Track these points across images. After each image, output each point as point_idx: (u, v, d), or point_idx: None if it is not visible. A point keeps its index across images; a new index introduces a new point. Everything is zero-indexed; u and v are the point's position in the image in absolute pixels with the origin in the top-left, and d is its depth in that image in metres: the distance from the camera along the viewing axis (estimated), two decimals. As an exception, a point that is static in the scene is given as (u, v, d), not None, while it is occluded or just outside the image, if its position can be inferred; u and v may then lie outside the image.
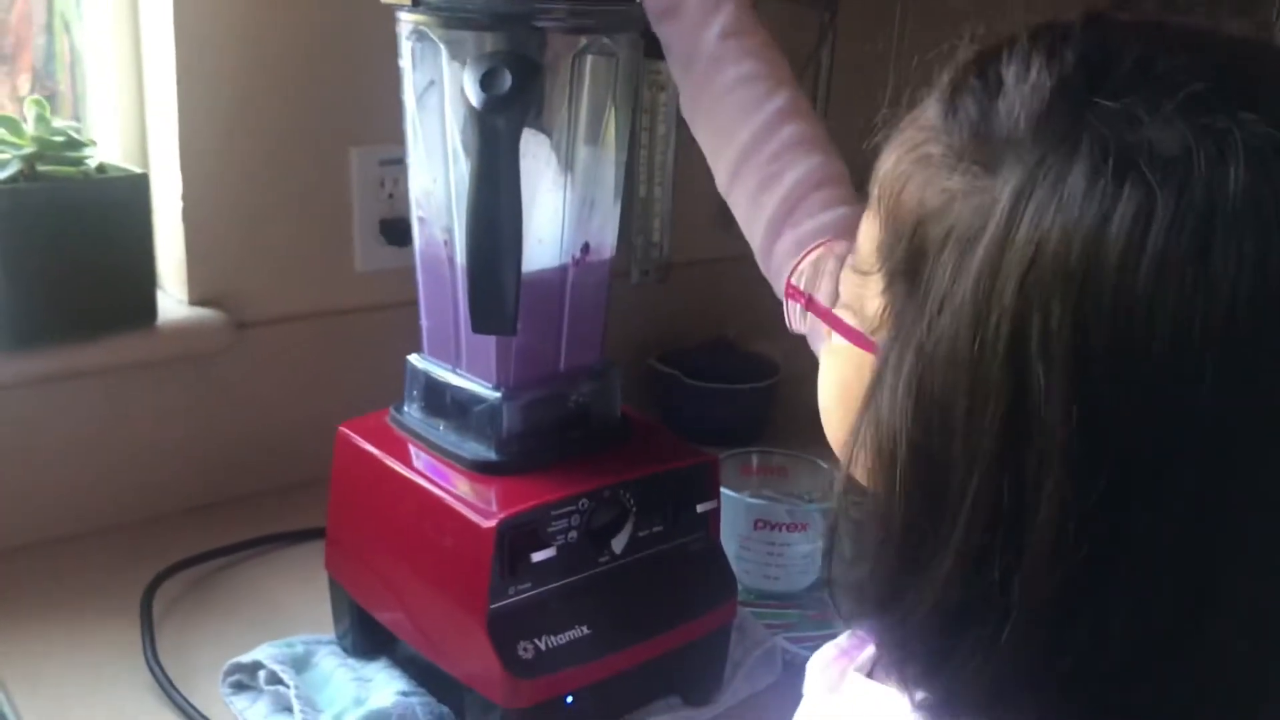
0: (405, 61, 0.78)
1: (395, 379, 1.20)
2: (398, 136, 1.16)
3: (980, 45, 0.46)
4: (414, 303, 1.21)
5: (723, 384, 1.35)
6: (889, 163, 0.48)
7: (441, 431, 0.84)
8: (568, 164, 0.78)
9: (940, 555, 0.43)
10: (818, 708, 0.59)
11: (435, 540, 0.79)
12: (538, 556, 0.76)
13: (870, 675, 0.56)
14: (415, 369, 0.87)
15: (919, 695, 0.47)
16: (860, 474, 0.48)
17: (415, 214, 0.83)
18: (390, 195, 1.19)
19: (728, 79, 0.75)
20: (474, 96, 0.69)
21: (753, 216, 0.76)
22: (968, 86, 0.45)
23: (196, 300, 1.11)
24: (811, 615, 1.03)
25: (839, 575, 0.52)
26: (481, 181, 0.70)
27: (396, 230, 1.20)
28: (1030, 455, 0.40)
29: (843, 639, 0.60)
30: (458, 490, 0.79)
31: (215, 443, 1.14)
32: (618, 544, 0.80)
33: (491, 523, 0.75)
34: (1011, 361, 0.40)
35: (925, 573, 0.43)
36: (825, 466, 1.09)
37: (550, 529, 0.78)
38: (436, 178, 0.80)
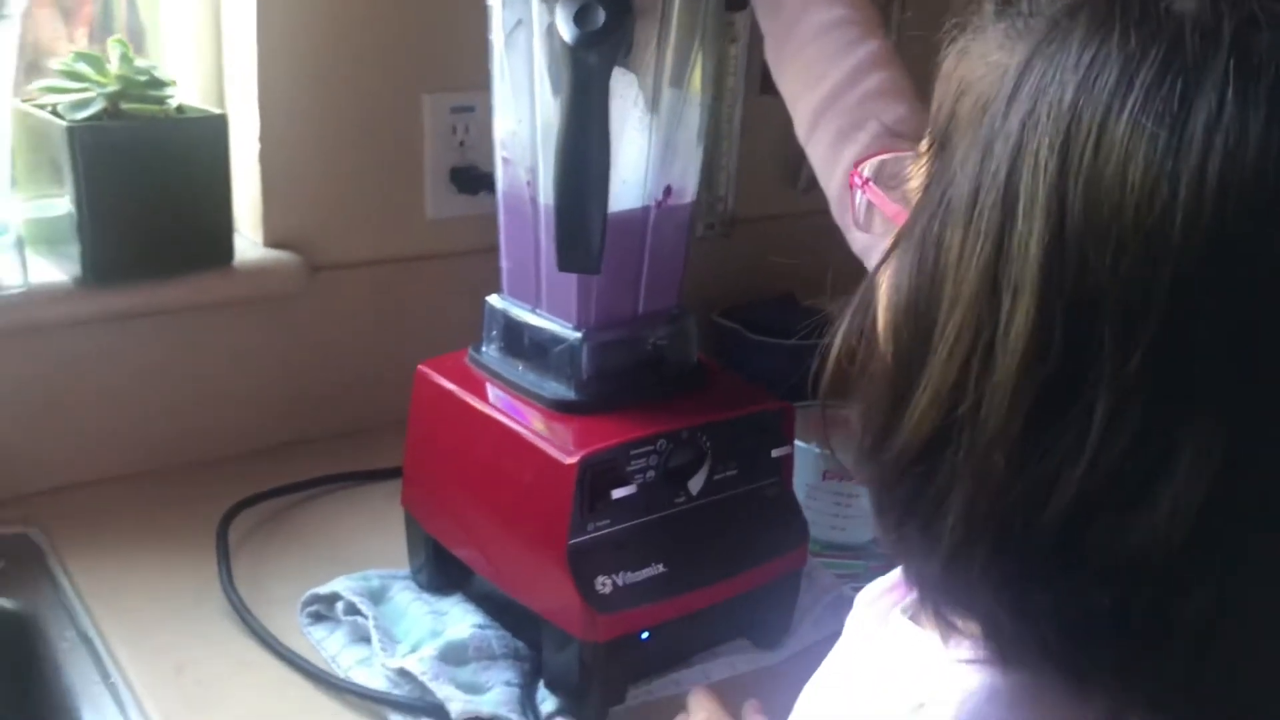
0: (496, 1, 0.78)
1: (464, 325, 1.21)
2: (469, 84, 1.18)
3: None
4: (484, 250, 1.22)
5: (786, 339, 1.35)
6: (950, 50, 0.49)
7: (520, 371, 0.85)
8: (653, 104, 0.78)
9: (921, 389, 0.44)
10: (857, 643, 0.60)
11: (515, 477, 0.80)
12: (618, 493, 0.77)
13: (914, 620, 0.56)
14: (494, 309, 0.88)
15: (950, 631, 0.47)
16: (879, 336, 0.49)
17: (499, 155, 0.84)
18: (461, 143, 1.20)
19: (817, 23, 0.75)
20: (567, 32, 0.70)
21: (831, 165, 0.76)
22: None
23: (271, 242, 1.12)
24: (874, 567, 1.03)
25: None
26: (571, 118, 0.71)
27: (467, 178, 1.20)
28: (1007, 292, 0.41)
29: (892, 575, 0.61)
30: (537, 428, 0.80)
31: (288, 384, 1.15)
32: (694, 485, 0.81)
33: (573, 459, 0.76)
34: (1002, 204, 0.41)
35: (908, 409, 0.44)
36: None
37: (629, 468, 0.79)
38: (522, 119, 0.80)
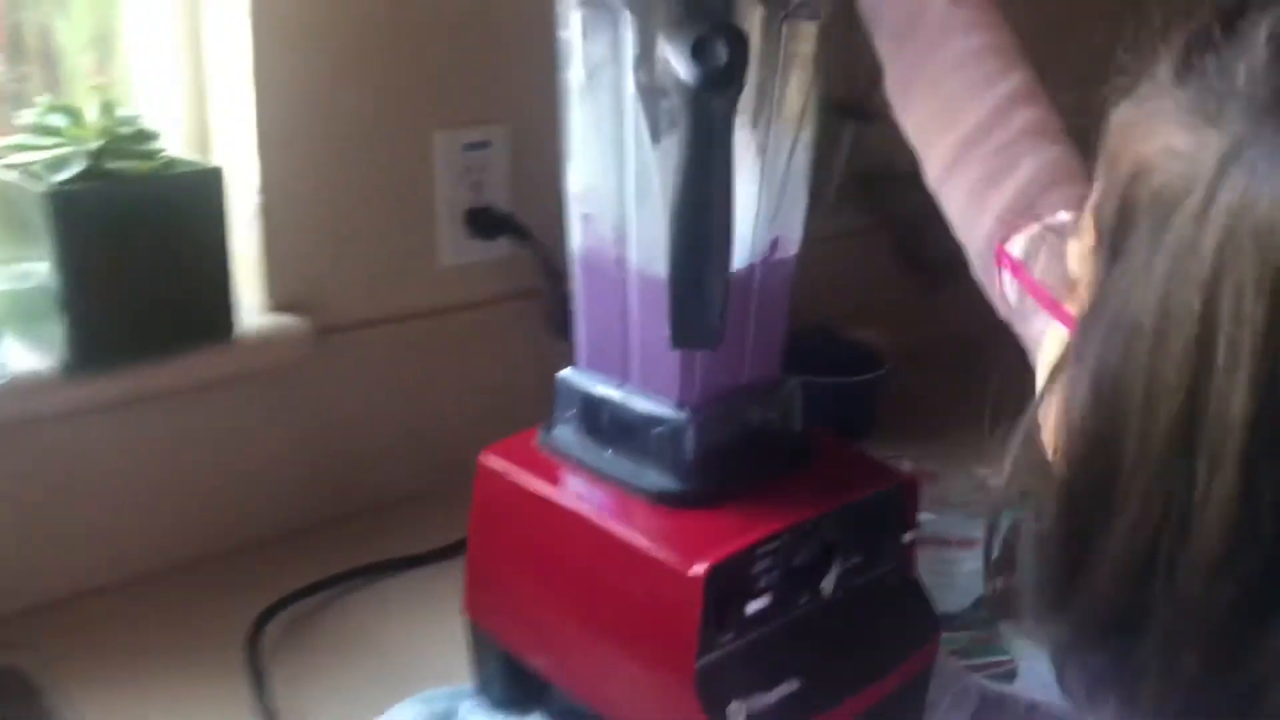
0: (573, 33, 0.67)
1: (489, 383, 1.10)
2: (483, 118, 1.07)
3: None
4: (505, 299, 1.12)
5: (824, 376, 1.25)
6: (1117, 117, 0.43)
7: (609, 458, 0.73)
8: (763, 146, 0.67)
9: (1103, 556, 0.39)
10: None
11: (620, 587, 0.69)
12: (753, 606, 0.66)
13: None
14: (570, 386, 0.76)
15: None
16: (1049, 441, 0.45)
17: (575, 210, 0.72)
18: (477, 183, 1.08)
19: (955, 52, 0.65)
20: (687, 71, 0.58)
21: (973, 213, 0.66)
22: (1208, 40, 0.40)
23: (275, 306, 0.99)
24: (980, 639, 0.93)
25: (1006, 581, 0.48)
26: (692, 172, 0.60)
27: (485, 221, 1.09)
28: (1202, 459, 0.36)
29: None
30: (644, 529, 0.69)
31: (301, 463, 1.02)
32: (827, 584, 0.70)
33: (699, 569, 0.64)
34: (1196, 346, 0.36)
35: (1090, 573, 0.40)
36: (982, 470, 1.00)
37: (755, 571, 0.68)
38: (608, 169, 0.69)
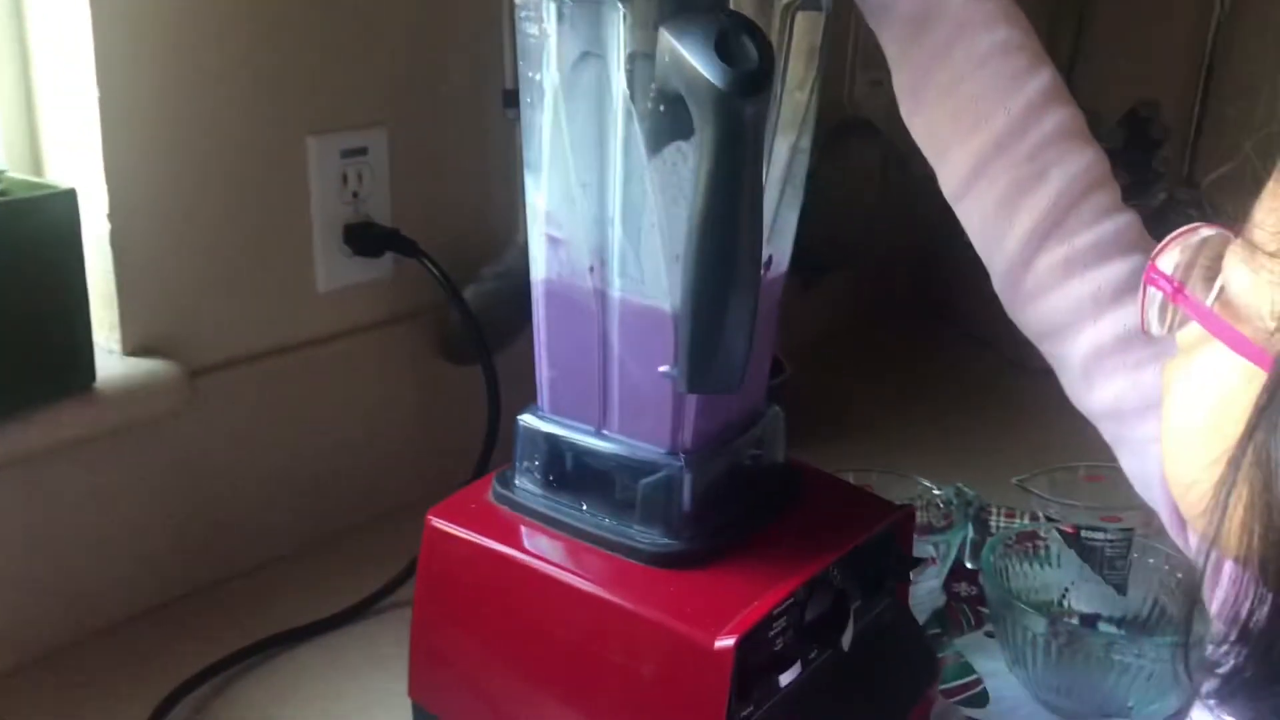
0: (547, 27, 0.57)
1: (382, 416, 0.99)
2: (363, 120, 0.95)
3: None
4: (389, 323, 1.00)
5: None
6: None
7: (588, 514, 0.64)
8: (767, 157, 0.59)
9: None
10: None
11: (622, 663, 0.60)
12: (786, 678, 0.58)
13: None
14: (533, 431, 0.66)
15: None
16: (1231, 528, 0.40)
17: (542, 232, 0.62)
18: (355, 194, 0.96)
19: (979, 49, 0.59)
20: (716, 74, 0.50)
21: (1002, 225, 0.60)
22: None
23: (134, 349, 0.85)
24: (944, 661, 0.89)
25: (1198, 649, 0.44)
26: (721, 188, 0.51)
27: (366, 237, 0.97)
28: None
29: None
30: (648, 595, 0.60)
31: (176, 524, 0.89)
32: (845, 638, 0.63)
33: (727, 641, 0.56)
34: None
35: None
36: (924, 483, 0.95)
37: (773, 634, 0.60)
38: (586, 183, 0.59)
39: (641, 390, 0.62)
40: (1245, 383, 0.40)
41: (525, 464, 0.67)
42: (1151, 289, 0.47)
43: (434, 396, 1.03)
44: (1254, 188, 0.43)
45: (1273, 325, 0.39)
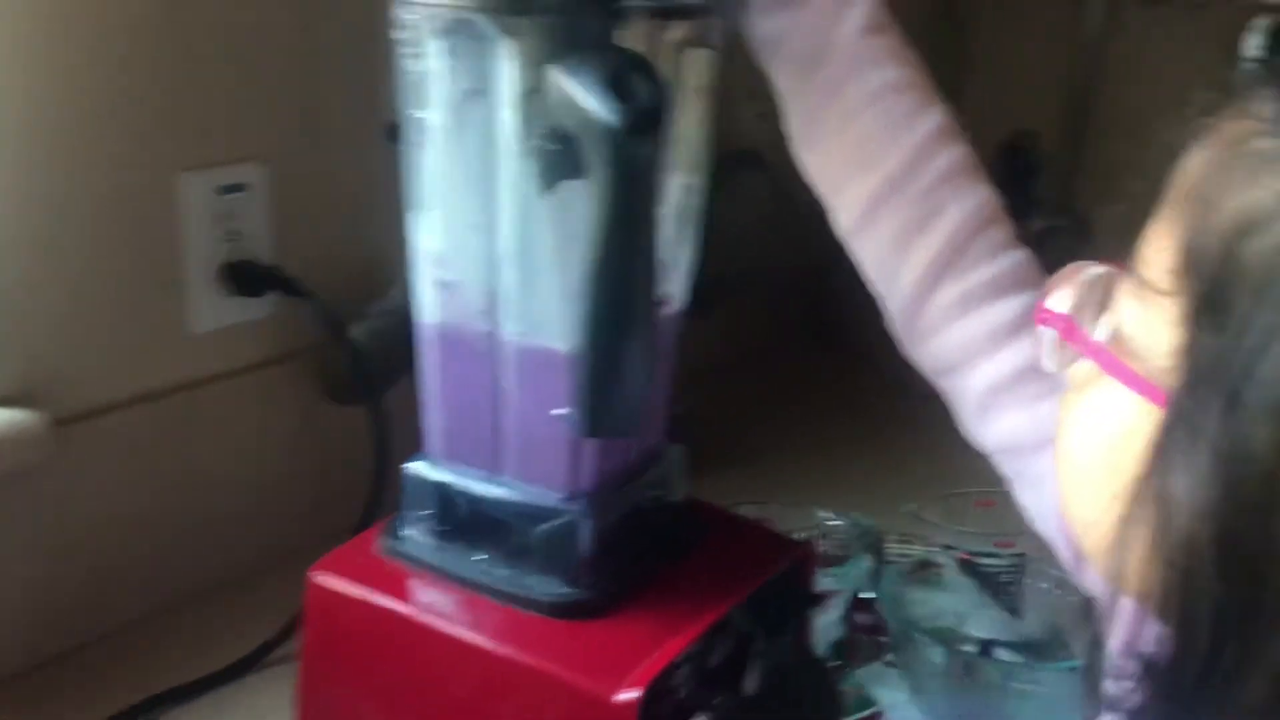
0: (431, 64, 0.55)
1: (262, 464, 0.95)
2: (239, 155, 0.92)
3: None
4: (268, 364, 0.97)
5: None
6: (1200, 159, 0.39)
7: (482, 563, 0.62)
8: (659, 193, 0.58)
9: (1254, 679, 0.35)
10: None
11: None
12: (692, 728, 0.56)
13: None
14: (422, 480, 0.64)
15: None
16: (1132, 565, 0.39)
17: (430, 276, 0.60)
18: (233, 232, 0.93)
19: (870, 88, 0.59)
20: (608, 112, 0.48)
21: (897, 263, 0.60)
22: None
23: (-2, 399, 0.80)
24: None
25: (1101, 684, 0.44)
26: (614, 228, 0.50)
27: (246, 276, 0.93)
28: None
29: None
30: (546, 647, 0.58)
31: (46, 583, 0.84)
32: (749, 681, 0.62)
33: (630, 694, 0.55)
34: None
35: (1233, 698, 0.35)
36: (822, 513, 0.95)
37: (676, 683, 0.58)
38: (475, 224, 0.57)
39: (537, 434, 0.60)
40: (1141, 419, 0.40)
41: (414, 513, 0.64)
42: (1044, 328, 0.47)
43: (320, 439, 1.00)
44: (1142, 226, 0.44)
45: (1166, 362, 0.39)
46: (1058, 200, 1.39)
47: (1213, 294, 0.36)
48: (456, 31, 0.54)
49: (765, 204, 1.39)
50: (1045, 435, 0.55)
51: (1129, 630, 0.46)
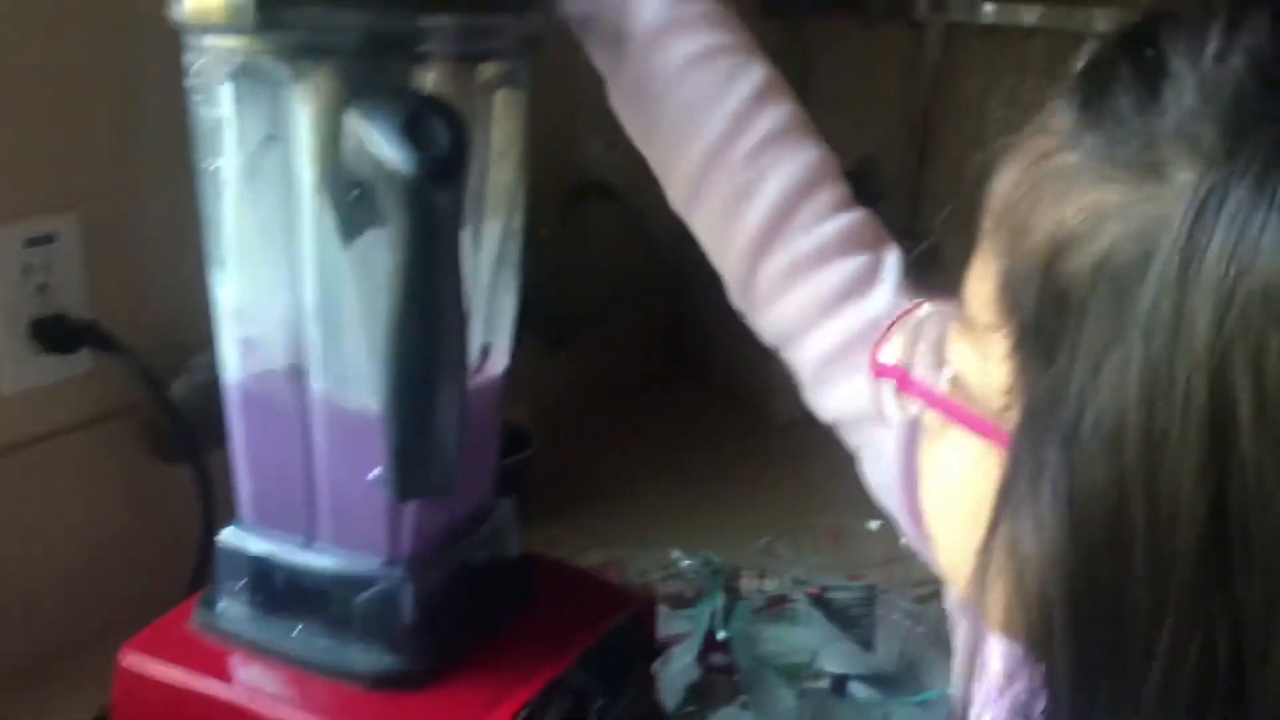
0: (223, 111, 0.52)
1: (82, 531, 0.89)
2: (47, 205, 0.86)
3: (1123, 22, 0.36)
4: (88, 424, 0.91)
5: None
6: (1007, 182, 0.36)
7: (298, 637, 0.59)
8: (470, 238, 0.56)
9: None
10: None
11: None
12: (523, 800, 0.54)
13: None
14: (235, 550, 0.60)
15: None
16: (993, 613, 0.38)
17: (231, 333, 0.57)
18: (43, 285, 0.87)
19: (679, 57, 0.56)
20: (402, 160, 0.46)
21: (726, 234, 0.58)
22: (1115, 73, 0.34)
23: None
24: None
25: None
26: (415, 281, 0.47)
27: (57, 332, 0.88)
28: (1246, 582, 0.30)
29: None
30: (369, 725, 0.55)
31: None
32: (586, 745, 0.60)
33: (456, 771, 0.52)
34: (1209, 442, 0.29)
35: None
36: (674, 553, 0.93)
37: (509, 751, 0.56)
38: (276, 279, 0.54)
39: (352, 497, 0.57)
40: (988, 465, 0.38)
41: (229, 585, 0.60)
42: (879, 379, 0.45)
43: (145, 502, 0.94)
44: (963, 261, 0.42)
45: (1003, 402, 0.37)
46: (902, 228, 1.41)
47: (1036, 323, 0.34)
48: (248, 75, 0.51)
49: (616, 235, 1.38)
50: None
51: (1002, 666, 0.44)
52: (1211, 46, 0.32)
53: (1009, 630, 0.38)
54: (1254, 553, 0.30)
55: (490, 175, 0.56)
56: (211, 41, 0.50)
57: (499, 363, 0.61)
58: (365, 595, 0.57)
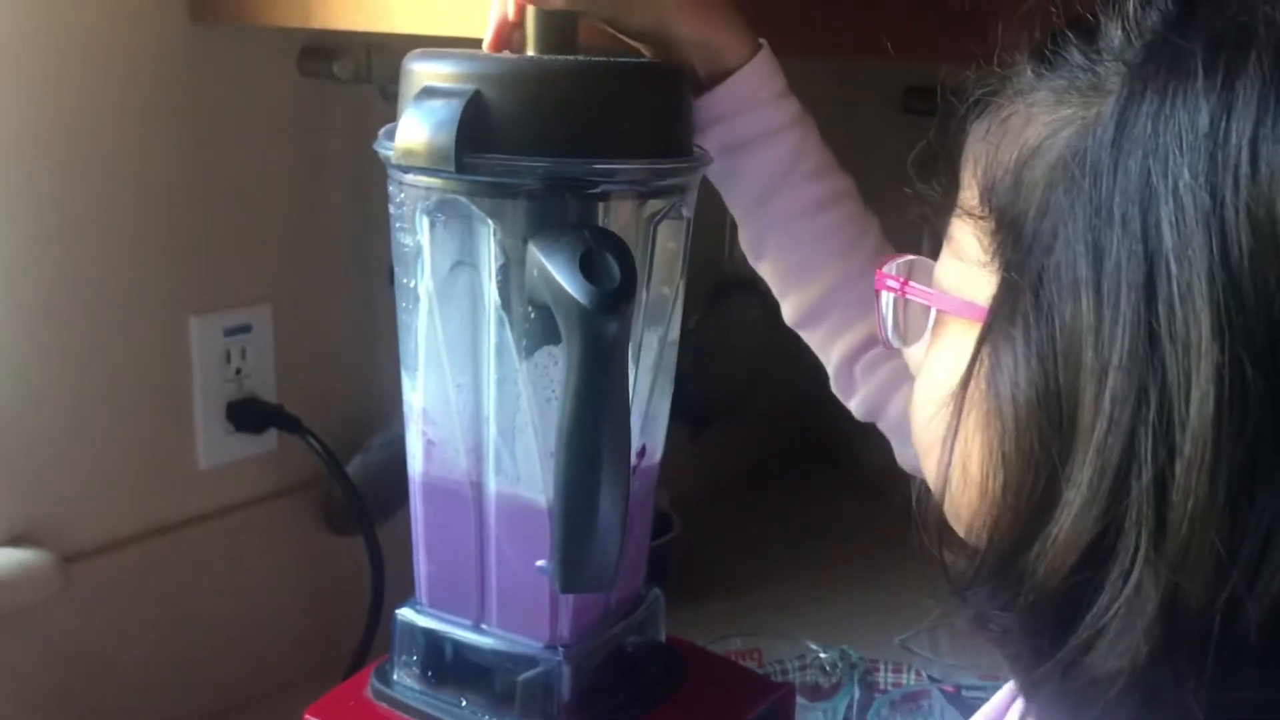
0: (421, 239, 0.59)
1: (266, 596, 0.97)
2: (244, 299, 0.96)
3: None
4: (272, 497, 1.00)
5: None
6: (983, 124, 0.44)
7: (467, 709, 0.64)
8: (637, 353, 0.62)
9: (1072, 489, 0.38)
10: None
11: None
12: None
13: None
14: (411, 626, 0.66)
15: None
16: (957, 479, 0.45)
17: (418, 431, 0.63)
18: (239, 371, 0.96)
19: (812, 227, 0.67)
20: (580, 292, 0.52)
21: (833, 340, 0.70)
22: (1064, 35, 0.42)
23: (3, 539, 0.83)
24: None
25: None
26: (586, 398, 0.53)
27: (249, 414, 0.97)
28: (1172, 352, 0.36)
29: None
30: (528, 796, 0.60)
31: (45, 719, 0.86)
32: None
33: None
34: (1143, 255, 0.37)
35: (1051, 518, 0.39)
36: (811, 645, 0.96)
37: (655, 829, 0.60)
38: (461, 384, 0.61)
39: (519, 584, 0.62)
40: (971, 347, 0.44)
41: (404, 658, 0.66)
42: (884, 294, 0.51)
43: (320, 569, 1.02)
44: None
45: (985, 258, 0.43)
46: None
47: (1009, 218, 0.42)
48: (444, 210, 0.58)
49: (758, 327, 1.43)
50: None
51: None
52: (1131, 5, 0.40)
53: (975, 497, 0.43)
54: (1189, 349, 0.36)
55: (651, 292, 0.61)
56: (414, 179, 0.57)
57: (654, 458, 0.67)
58: (527, 675, 0.62)
